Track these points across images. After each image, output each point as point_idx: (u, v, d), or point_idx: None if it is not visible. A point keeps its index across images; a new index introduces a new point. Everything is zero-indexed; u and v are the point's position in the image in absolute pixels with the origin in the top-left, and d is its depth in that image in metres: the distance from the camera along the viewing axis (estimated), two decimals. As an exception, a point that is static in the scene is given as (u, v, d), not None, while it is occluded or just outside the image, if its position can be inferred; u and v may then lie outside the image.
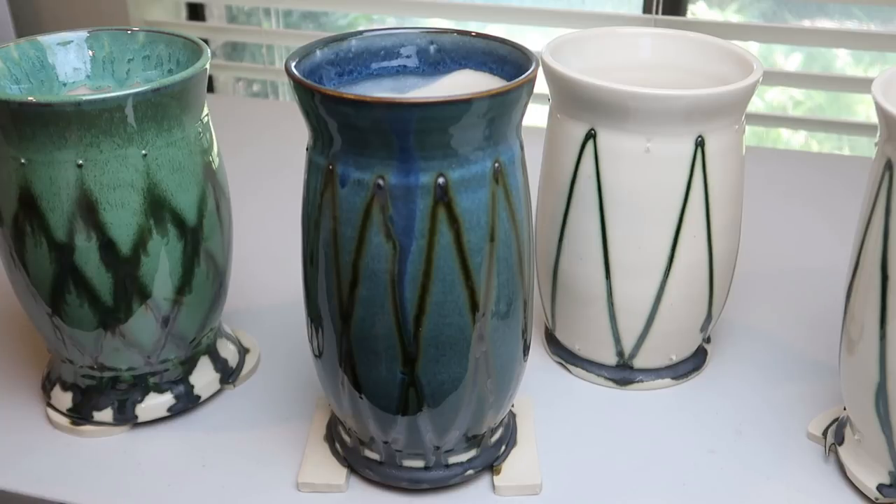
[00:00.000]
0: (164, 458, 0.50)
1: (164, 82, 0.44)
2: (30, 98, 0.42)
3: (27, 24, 1.15)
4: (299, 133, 0.60)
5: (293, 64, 0.40)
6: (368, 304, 0.41)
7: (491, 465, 0.48)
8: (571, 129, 0.50)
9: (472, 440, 0.46)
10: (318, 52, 0.43)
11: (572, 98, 0.49)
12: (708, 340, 0.58)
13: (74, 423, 0.51)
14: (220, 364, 0.54)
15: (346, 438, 0.48)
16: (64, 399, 0.51)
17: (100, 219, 0.45)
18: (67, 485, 0.48)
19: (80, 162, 0.43)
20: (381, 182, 0.38)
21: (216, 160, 0.50)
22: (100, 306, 0.47)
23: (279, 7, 1.17)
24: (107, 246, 0.45)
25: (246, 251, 0.69)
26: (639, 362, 0.54)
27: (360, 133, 0.37)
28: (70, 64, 0.51)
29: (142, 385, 0.51)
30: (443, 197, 0.38)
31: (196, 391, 0.52)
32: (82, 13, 1.12)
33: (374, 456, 0.47)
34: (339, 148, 0.39)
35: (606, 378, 0.55)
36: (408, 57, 0.46)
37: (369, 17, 1.31)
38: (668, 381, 0.55)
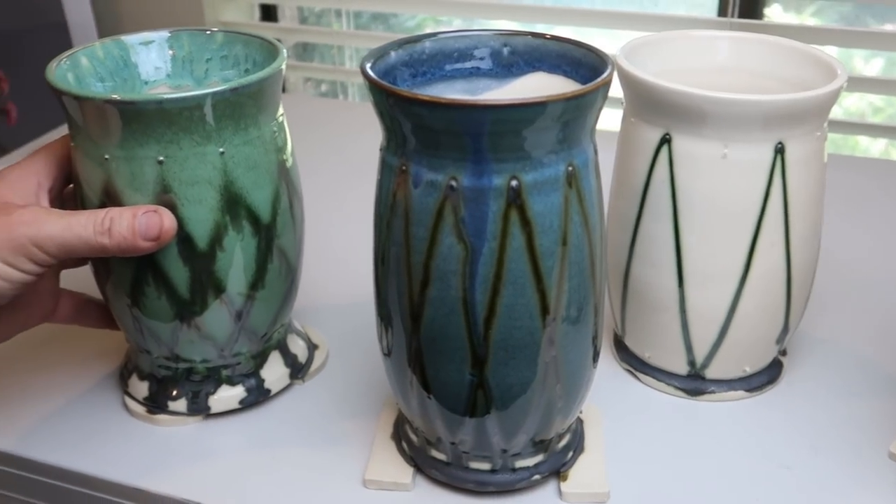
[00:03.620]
0: (234, 449, 0.51)
1: (242, 82, 0.45)
2: (114, 96, 0.43)
3: (109, 25, 1.18)
4: (369, 133, 0.61)
5: (368, 65, 0.40)
6: (438, 305, 0.40)
7: (558, 471, 0.47)
8: (646, 134, 0.49)
9: (540, 445, 0.46)
10: (392, 54, 0.43)
11: (647, 102, 0.48)
12: (784, 353, 0.57)
13: (150, 411, 0.52)
14: (289, 359, 0.55)
15: (413, 438, 0.48)
16: (140, 388, 0.53)
17: (178, 214, 0.46)
18: (141, 471, 0.49)
19: (161, 158, 0.44)
20: (453, 183, 0.38)
21: (290, 159, 0.51)
22: (177, 299, 0.48)
23: (350, 8, 1.17)
24: (184, 241, 0.46)
25: (317, 249, 0.70)
26: (711, 373, 0.53)
27: (434, 134, 0.37)
28: (151, 63, 0.52)
29: (215, 377, 0.52)
30: (515, 199, 0.38)
31: (266, 385, 0.53)
32: (160, 14, 1.15)
33: (441, 456, 0.47)
34: (412, 149, 0.39)
35: (677, 388, 0.54)
36: (481, 59, 0.45)
37: (437, 19, 1.31)
38: (741, 392, 0.54)
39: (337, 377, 0.56)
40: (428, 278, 0.40)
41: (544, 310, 0.40)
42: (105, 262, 0.48)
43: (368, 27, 1.29)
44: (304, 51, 1.31)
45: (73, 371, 0.57)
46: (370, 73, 0.39)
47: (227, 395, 0.52)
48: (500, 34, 0.45)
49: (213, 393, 0.52)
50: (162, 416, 0.52)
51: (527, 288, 0.40)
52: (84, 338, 0.59)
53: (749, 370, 0.53)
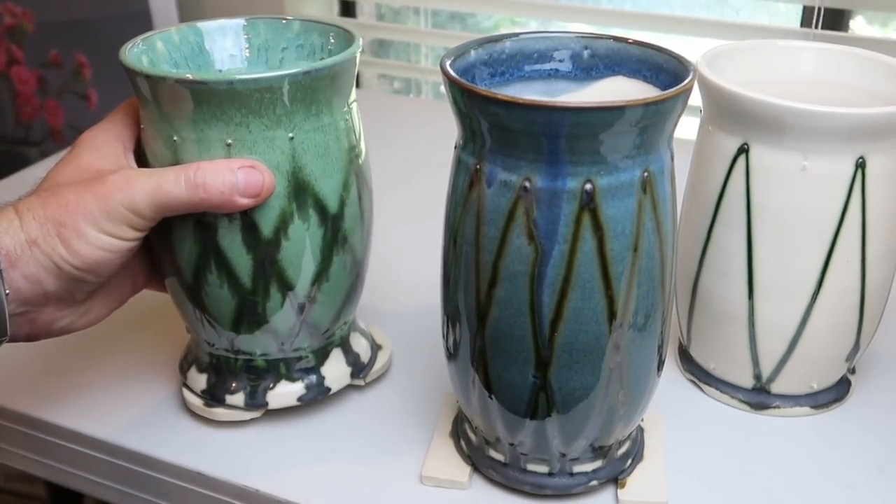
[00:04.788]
0: (292, 441, 0.51)
1: (315, 66, 0.44)
2: (186, 75, 0.42)
3: (191, 15, 1.20)
4: (442, 131, 0.61)
5: (448, 63, 0.41)
6: (505, 305, 0.41)
7: (616, 478, 0.47)
8: (723, 143, 0.49)
9: (599, 451, 0.46)
10: (472, 53, 0.43)
11: (727, 110, 0.48)
12: (853, 371, 0.55)
13: (207, 404, 0.51)
14: (351, 357, 0.53)
15: (472, 437, 0.48)
16: (199, 380, 0.52)
17: None
18: (198, 457, 0.50)
19: (229, 141, 0.44)
20: (527, 184, 0.38)
21: (361, 150, 0.50)
22: (239, 288, 0.47)
23: (428, 7, 1.18)
24: (249, 227, 0.45)
25: (385, 247, 0.71)
26: (777, 387, 0.52)
27: (511, 134, 0.38)
28: (227, 50, 0.52)
29: (274, 372, 0.51)
30: (589, 203, 0.38)
31: (327, 383, 0.52)
32: (242, 7, 1.17)
33: (499, 457, 0.47)
34: (487, 148, 0.39)
35: (741, 401, 0.53)
36: (560, 61, 0.45)
37: (514, 20, 1.31)
38: (807, 409, 0.53)
39: (399, 374, 0.57)
40: (496, 278, 0.40)
41: (611, 315, 0.40)
42: (169, 247, 0.47)
43: (445, 26, 1.30)
44: (380, 47, 1.32)
45: (138, 362, 0.59)
46: (450, 70, 0.40)
47: (286, 391, 0.51)
48: (582, 37, 0.45)
49: (272, 388, 0.51)
50: (219, 410, 0.51)
51: (595, 292, 0.40)
52: (143, 327, 0.61)
53: (816, 387, 0.52)
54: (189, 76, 0.42)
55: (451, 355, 0.45)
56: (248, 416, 0.51)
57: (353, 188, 0.49)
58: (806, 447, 0.51)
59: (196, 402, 0.52)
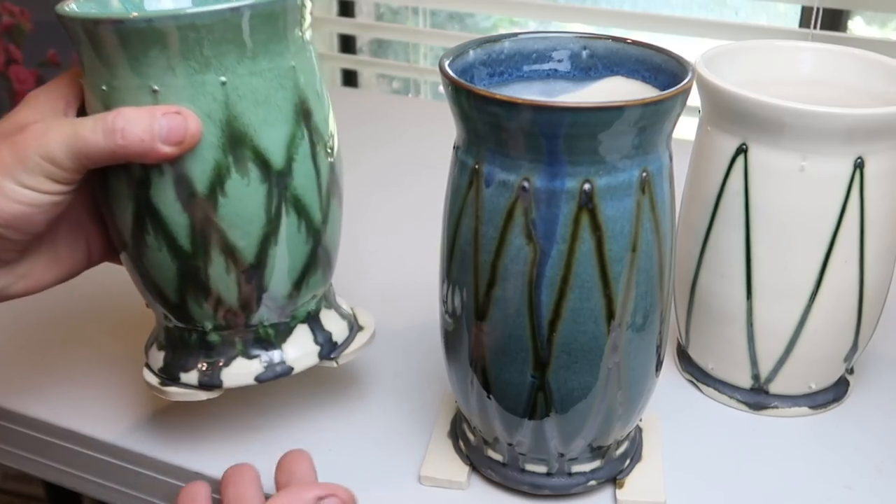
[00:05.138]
0: (292, 441, 0.51)
1: (242, 2, 0.40)
2: (106, 16, 0.39)
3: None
4: (441, 131, 0.61)
5: (447, 63, 0.41)
6: (504, 305, 0.41)
7: (614, 478, 0.47)
8: (722, 143, 0.49)
9: (597, 451, 0.46)
10: (471, 52, 0.43)
11: (725, 111, 0.48)
12: (851, 371, 0.55)
13: (163, 383, 0.47)
14: (322, 336, 0.49)
15: (471, 437, 0.48)
16: (157, 358, 0.48)
17: None
18: (198, 458, 0.50)
19: (156, 88, 0.40)
20: (526, 184, 0.38)
21: (318, 105, 0.45)
22: (178, 251, 0.43)
23: (427, 7, 1.18)
24: (181, 181, 0.41)
25: (384, 246, 0.71)
26: (775, 388, 0.52)
27: (509, 134, 0.38)
28: (171, 4, 0.48)
29: (229, 348, 0.47)
30: (587, 203, 0.38)
31: (289, 361, 0.47)
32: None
33: (498, 457, 0.47)
34: (486, 148, 0.39)
35: (739, 401, 0.53)
36: (559, 61, 0.45)
37: (512, 21, 1.31)
38: (805, 409, 0.53)
39: (397, 374, 0.57)
40: (495, 278, 0.40)
41: (610, 315, 0.40)
42: (107, 207, 0.44)
43: (444, 26, 1.30)
44: (379, 47, 1.32)
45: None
46: (448, 70, 0.40)
47: (242, 370, 0.46)
48: (580, 37, 0.45)
49: (226, 366, 0.46)
50: (173, 389, 0.47)
51: (594, 292, 0.40)
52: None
53: (814, 387, 0.53)
54: (108, 16, 0.39)
55: (450, 355, 0.45)
56: (203, 395, 0.47)
57: (304, 144, 0.44)
58: (804, 447, 0.51)
59: (153, 380, 0.48)
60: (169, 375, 0.47)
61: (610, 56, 0.44)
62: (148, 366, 0.49)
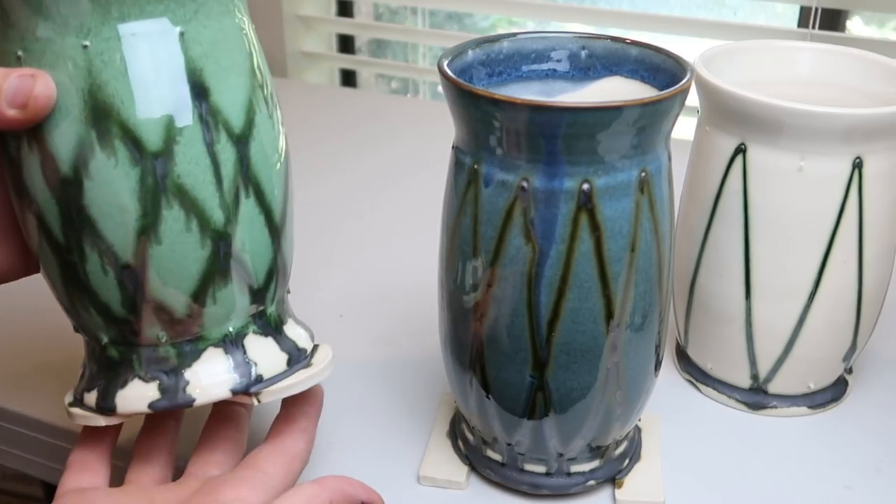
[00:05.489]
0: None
1: None
2: None
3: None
4: (440, 131, 0.61)
5: (446, 63, 0.41)
6: (503, 305, 0.41)
7: (613, 478, 0.47)
8: (720, 143, 0.49)
9: (596, 451, 0.46)
10: (469, 52, 0.43)
11: (724, 111, 0.48)
12: (850, 371, 0.55)
13: (71, 403, 0.42)
14: (242, 365, 0.41)
15: (470, 436, 0.48)
16: (80, 377, 0.43)
17: (40, 126, 0.36)
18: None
19: (20, 54, 0.36)
20: (525, 184, 0.38)
21: (220, 79, 0.38)
22: (53, 243, 0.38)
23: (425, 7, 1.18)
24: (46, 159, 0.37)
25: (383, 247, 0.71)
26: (774, 387, 0.52)
27: (508, 134, 0.38)
28: None
29: (127, 366, 0.40)
30: (586, 203, 0.38)
31: (190, 389, 0.40)
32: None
33: (497, 457, 0.47)
34: (485, 148, 0.39)
35: (738, 401, 0.53)
36: (558, 61, 0.45)
37: (511, 20, 1.31)
38: (803, 409, 0.53)
39: (396, 374, 0.57)
40: (493, 278, 0.40)
41: (609, 315, 0.40)
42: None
43: (442, 26, 1.30)
44: (378, 47, 1.32)
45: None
46: (447, 70, 0.40)
47: (137, 393, 0.40)
48: (579, 37, 0.45)
49: (122, 387, 0.40)
50: (76, 411, 0.41)
51: (592, 292, 0.40)
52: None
53: (813, 387, 0.53)
54: None
55: (449, 355, 0.45)
56: (102, 420, 0.41)
57: (195, 126, 0.37)
58: (803, 447, 0.51)
59: (67, 398, 0.43)
60: (77, 395, 0.42)
61: (609, 56, 0.44)
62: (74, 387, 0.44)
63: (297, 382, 0.41)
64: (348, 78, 1.27)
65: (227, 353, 0.41)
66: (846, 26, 1.00)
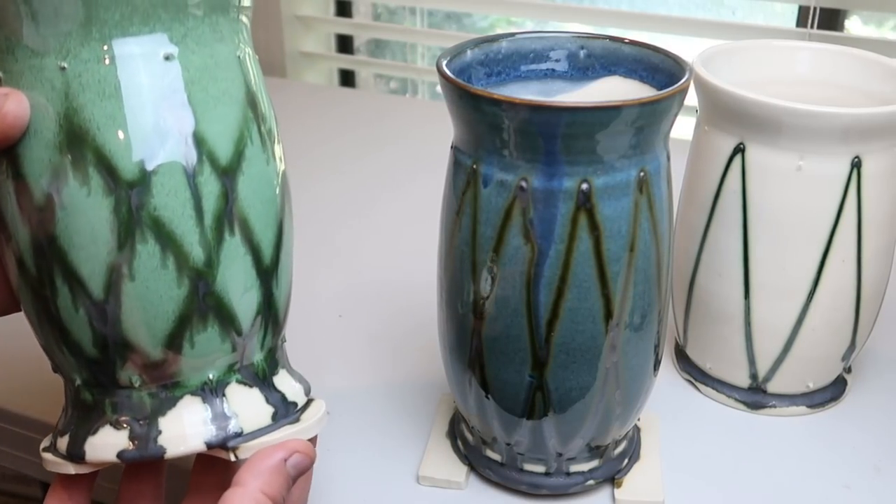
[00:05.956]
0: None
1: None
2: None
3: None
4: (439, 131, 0.61)
5: (444, 63, 0.41)
6: (502, 305, 0.41)
7: (612, 478, 0.47)
8: (719, 143, 0.49)
9: (596, 450, 0.46)
10: (468, 52, 0.43)
11: (723, 110, 0.48)
12: (849, 370, 0.55)
13: (46, 448, 0.39)
14: (220, 417, 0.37)
15: (469, 436, 0.48)
16: (58, 417, 0.41)
17: (14, 147, 0.35)
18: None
19: (0, 75, 0.35)
20: (523, 184, 0.38)
21: (206, 105, 0.36)
22: (27, 275, 0.36)
23: (424, 7, 1.18)
24: (19, 184, 0.35)
25: (382, 247, 0.71)
26: (773, 387, 0.52)
27: (507, 134, 0.38)
28: None
29: (99, 411, 0.37)
30: (585, 203, 0.38)
31: (161, 440, 0.37)
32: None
33: (496, 457, 0.47)
34: (484, 148, 0.39)
35: (737, 400, 0.53)
36: (557, 61, 0.45)
37: (509, 20, 1.31)
38: (803, 408, 0.53)
39: (395, 374, 0.57)
40: (493, 278, 0.40)
41: (608, 315, 0.40)
42: None
43: (441, 26, 1.30)
44: (376, 47, 1.32)
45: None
46: (446, 70, 0.40)
47: (106, 441, 0.37)
48: (578, 37, 0.45)
49: (93, 434, 0.37)
50: (48, 457, 0.38)
51: (591, 292, 0.40)
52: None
53: (812, 386, 0.53)
54: None
55: (448, 355, 0.45)
56: (72, 468, 0.38)
57: (177, 157, 0.35)
58: (802, 447, 0.51)
59: (44, 443, 0.40)
60: (52, 440, 0.39)
61: (607, 56, 0.44)
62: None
63: (280, 438, 0.38)
64: (347, 78, 1.27)
65: (205, 402, 0.38)
66: (845, 26, 1.00)
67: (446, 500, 0.47)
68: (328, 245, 0.72)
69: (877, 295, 0.51)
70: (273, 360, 0.40)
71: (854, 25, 1.10)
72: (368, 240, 0.73)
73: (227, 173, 0.36)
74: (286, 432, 0.38)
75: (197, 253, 0.36)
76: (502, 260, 0.40)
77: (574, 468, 0.46)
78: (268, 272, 0.38)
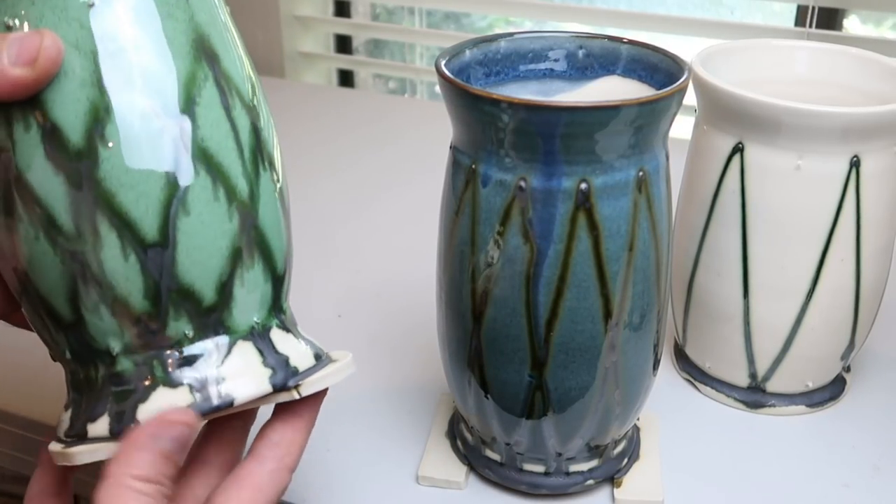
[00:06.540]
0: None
1: None
2: None
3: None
4: (438, 131, 0.61)
5: (443, 63, 0.41)
6: (501, 305, 0.41)
7: (612, 478, 0.47)
8: (718, 142, 0.49)
9: (595, 450, 0.46)
10: (467, 52, 0.43)
11: (721, 110, 0.48)
12: (848, 369, 0.55)
13: (68, 446, 0.35)
14: (274, 359, 0.37)
15: (468, 436, 0.48)
16: (63, 421, 0.37)
17: (38, 95, 0.32)
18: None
19: (10, 23, 0.33)
20: (522, 184, 0.38)
21: (221, 43, 0.36)
22: (58, 232, 0.33)
23: (422, 7, 1.18)
24: (51, 133, 0.33)
25: (382, 246, 0.71)
26: (772, 386, 0.52)
27: (506, 134, 0.38)
28: None
29: (146, 377, 0.35)
30: (584, 202, 0.38)
31: (226, 388, 0.35)
32: (235, 8, 1.16)
33: (495, 457, 0.47)
34: (483, 148, 0.39)
35: (736, 399, 0.53)
36: (555, 60, 0.45)
37: (508, 20, 1.31)
38: (802, 408, 0.53)
39: (395, 374, 0.57)
40: (492, 278, 0.40)
41: (607, 314, 0.40)
42: None
43: (440, 26, 1.30)
44: (375, 47, 1.32)
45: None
46: (445, 70, 0.40)
47: (166, 403, 0.34)
48: (577, 36, 0.45)
49: (143, 401, 0.34)
50: (78, 449, 0.34)
51: (591, 292, 0.40)
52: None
53: (811, 385, 0.53)
54: None
55: (447, 355, 0.45)
56: (116, 447, 0.33)
57: (210, 87, 0.35)
58: (801, 446, 0.51)
59: (56, 448, 0.36)
60: (75, 433, 0.36)
61: (606, 55, 0.44)
62: (57, 437, 0.37)
63: (332, 373, 0.38)
64: (346, 78, 1.27)
65: (256, 346, 0.37)
66: (843, 25, 1.00)
67: (446, 499, 0.47)
68: (327, 245, 0.72)
69: (876, 294, 0.51)
70: (290, 312, 0.40)
71: (852, 25, 1.10)
72: (367, 240, 0.73)
73: (251, 110, 0.36)
74: (332, 368, 0.38)
75: (242, 185, 0.35)
76: (501, 260, 0.40)
77: (573, 468, 0.46)
78: (287, 210, 0.39)
